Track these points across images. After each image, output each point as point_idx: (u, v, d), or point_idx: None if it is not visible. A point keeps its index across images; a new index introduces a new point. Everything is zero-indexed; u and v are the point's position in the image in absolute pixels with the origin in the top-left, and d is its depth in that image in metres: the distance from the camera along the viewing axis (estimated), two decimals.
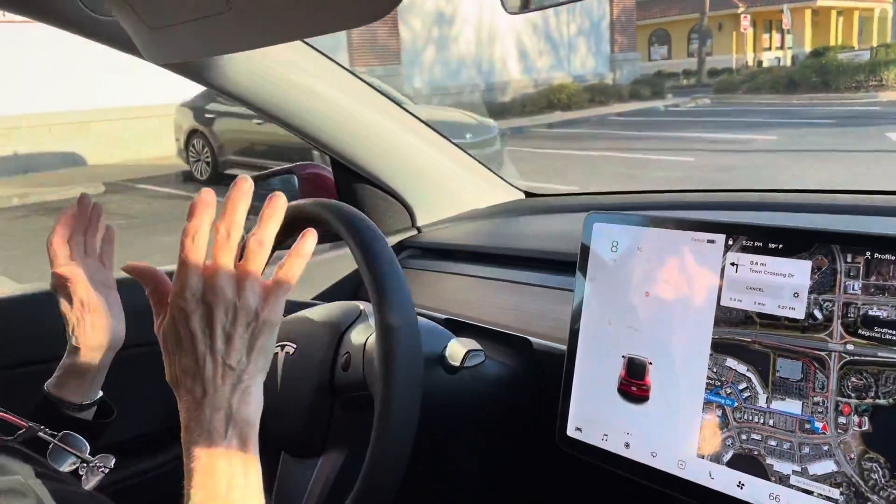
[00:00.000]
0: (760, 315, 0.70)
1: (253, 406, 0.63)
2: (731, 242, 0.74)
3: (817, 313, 0.67)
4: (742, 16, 26.09)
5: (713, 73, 21.97)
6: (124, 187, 9.96)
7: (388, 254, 0.86)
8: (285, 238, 1.05)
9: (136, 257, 0.74)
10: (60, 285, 0.91)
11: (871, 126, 11.06)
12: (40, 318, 1.19)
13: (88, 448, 0.83)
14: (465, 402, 0.98)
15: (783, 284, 0.70)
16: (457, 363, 0.91)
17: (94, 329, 0.91)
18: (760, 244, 0.72)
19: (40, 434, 0.79)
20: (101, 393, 0.94)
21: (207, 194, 0.64)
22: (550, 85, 17.62)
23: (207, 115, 10.03)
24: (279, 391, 0.95)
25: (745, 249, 0.72)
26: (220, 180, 9.60)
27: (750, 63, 26.97)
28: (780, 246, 0.70)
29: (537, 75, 18.48)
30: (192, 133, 10.27)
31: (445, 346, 0.94)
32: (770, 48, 28.85)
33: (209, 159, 10.09)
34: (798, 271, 0.69)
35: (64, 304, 0.91)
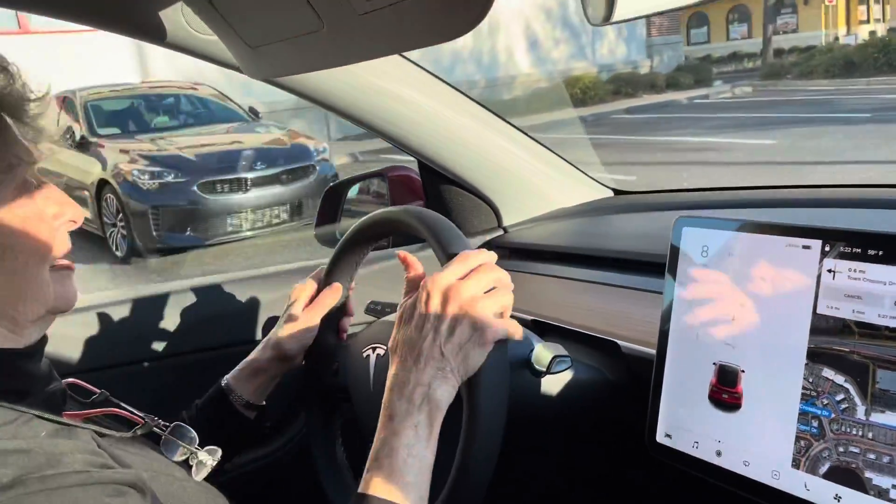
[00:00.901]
0: (859, 324, 0.68)
1: (446, 395, 0.74)
2: (827, 248, 0.71)
3: None
4: None
5: (792, 52, 19.97)
6: None
7: None
8: (373, 243, 1.08)
9: None
10: (305, 293, 1.05)
11: None
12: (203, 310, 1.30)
13: (197, 440, 0.89)
14: (551, 405, 0.98)
15: (883, 293, 0.67)
16: (543, 368, 0.92)
17: (292, 340, 1.03)
18: (859, 250, 0.69)
19: (155, 429, 0.85)
20: (264, 402, 1.05)
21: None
22: (567, 77, 15.63)
23: None
24: (371, 390, 0.98)
25: (842, 256, 0.70)
26: None
27: (842, 39, 25.01)
28: (881, 252, 0.68)
29: (553, 67, 16.37)
30: None
31: (531, 350, 0.95)
32: (868, 21, 25.89)
33: None
34: None
35: (294, 307, 1.04)
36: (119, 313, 1.25)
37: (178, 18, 0.99)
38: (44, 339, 0.75)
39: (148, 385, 1.21)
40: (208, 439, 0.94)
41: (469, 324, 0.75)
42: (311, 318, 1.04)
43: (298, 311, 1.04)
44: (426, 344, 0.75)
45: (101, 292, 1.29)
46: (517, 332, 0.80)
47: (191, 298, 1.30)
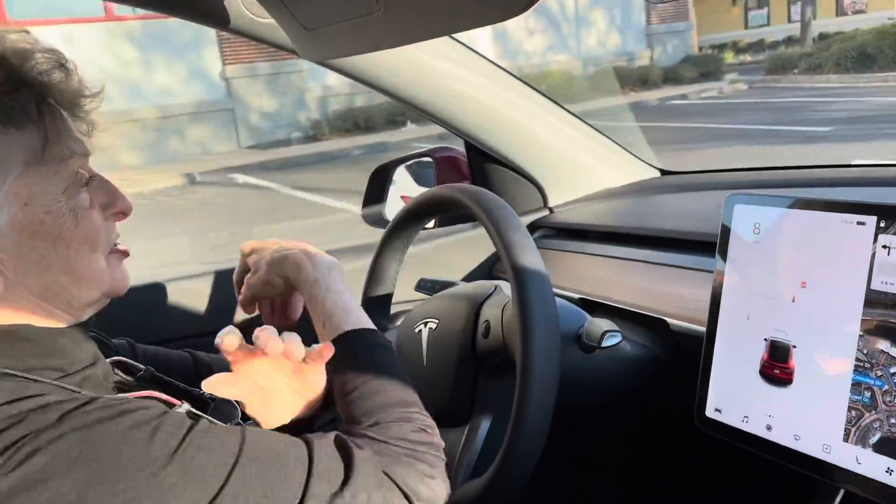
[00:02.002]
0: None
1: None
2: (882, 224, 0.71)
3: None
4: None
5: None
6: None
7: (524, 236, 0.89)
8: (425, 220, 1.11)
9: None
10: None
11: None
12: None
13: (239, 414, 0.92)
14: (601, 381, 1.00)
15: None
16: (594, 343, 0.94)
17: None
18: None
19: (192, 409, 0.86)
20: None
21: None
22: (538, 73, 13.27)
23: None
24: (425, 365, 1.00)
25: None
26: None
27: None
28: None
29: (525, 61, 14.03)
30: None
31: (582, 326, 0.96)
32: None
33: None
34: None
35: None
36: (167, 290, 1.30)
37: (237, 3, 1.02)
38: (88, 322, 0.76)
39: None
40: None
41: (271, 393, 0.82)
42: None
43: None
44: None
45: (151, 270, 1.34)
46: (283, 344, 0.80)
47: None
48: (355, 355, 0.81)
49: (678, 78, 14.28)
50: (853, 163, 1.23)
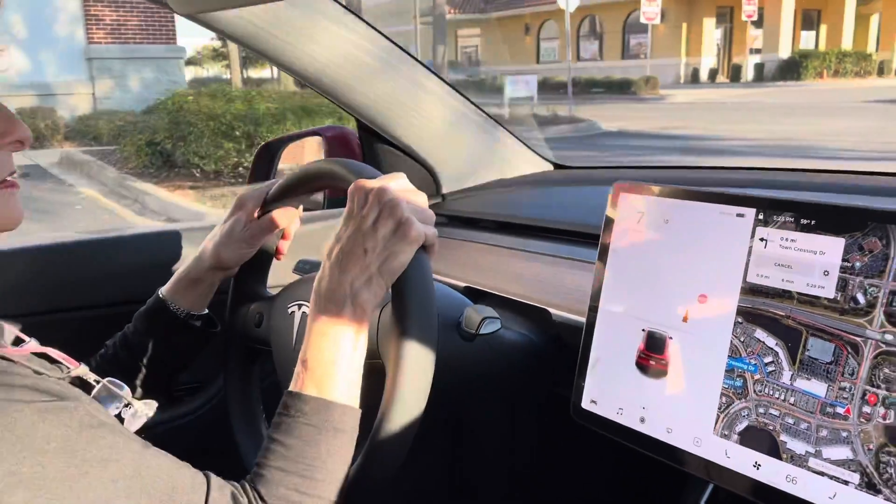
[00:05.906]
0: (799, 291, 0.68)
1: (371, 297, 0.74)
2: (761, 217, 0.71)
3: (860, 297, 0.63)
4: None
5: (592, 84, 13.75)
6: None
7: None
8: (309, 194, 1.04)
9: None
10: (242, 206, 0.99)
11: None
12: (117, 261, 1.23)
13: (130, 393, 0.85)
14: (480, 370, 0.96)
15: (813, 262, 0.67)
16: (472, 330, 0.90)
17: (233, 251, 0.99)
18: (791, 220, 0.69)
19: (86, 378, 0.81)
20: (207, 310, 1.02)
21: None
22: None
23: None
24: (293, 346, 0.94)
25: (775, 225, 0.70)
26: None
27: (721, 72, 20.49)
28: (813, 222, 0.68)
29: None
30: None
31: (462, 313, 0.93)
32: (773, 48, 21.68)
33: None
34: (829, 248, 0.66)
35: (239, 219, 0.99)
36: (46, 259, 1.18)
37: None
38: None
39: (77, 335, 1.15)
40: (157, 351, 0.98)
41: (393, 219, 0.74)
42: (256, 235, 0.99)
43: (241, 223, 0.98)
44: (349, 243, 0.74)
45: (27, 236, 1.22)
46: (434, 237, 0.77)
47: (121, 247, 1.25)
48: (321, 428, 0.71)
49: (92, 135, 8.69)
50: (746, 166, 1.25)
